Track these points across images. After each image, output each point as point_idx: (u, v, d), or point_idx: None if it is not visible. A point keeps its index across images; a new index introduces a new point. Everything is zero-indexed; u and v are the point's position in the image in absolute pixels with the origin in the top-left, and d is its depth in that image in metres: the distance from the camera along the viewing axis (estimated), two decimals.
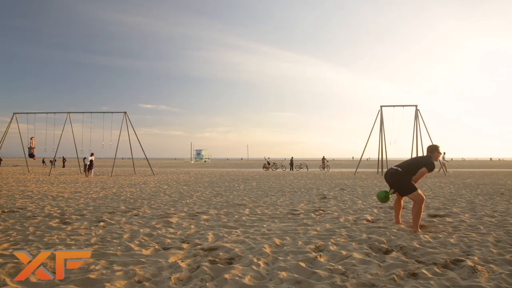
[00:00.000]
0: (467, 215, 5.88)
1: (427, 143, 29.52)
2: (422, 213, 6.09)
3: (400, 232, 4.52)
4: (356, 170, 22.79)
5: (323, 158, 32.06)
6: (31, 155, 21.60)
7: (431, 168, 4.77)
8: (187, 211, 6.56)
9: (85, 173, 19.02)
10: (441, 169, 24.99)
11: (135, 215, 6.10)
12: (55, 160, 29.70)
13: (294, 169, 30.93)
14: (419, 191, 4.65)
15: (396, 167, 4.80)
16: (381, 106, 20.95)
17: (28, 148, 21.59)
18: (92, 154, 19.65)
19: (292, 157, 33.21)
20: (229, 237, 4.35)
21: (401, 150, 23.54)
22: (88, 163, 19.12)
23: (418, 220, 4.60)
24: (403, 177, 4.70)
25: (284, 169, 31.03)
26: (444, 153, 24.93)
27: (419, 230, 4.58)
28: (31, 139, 21.42)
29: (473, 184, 13.01)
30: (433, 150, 4.95)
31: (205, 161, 73.45)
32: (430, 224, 5.07)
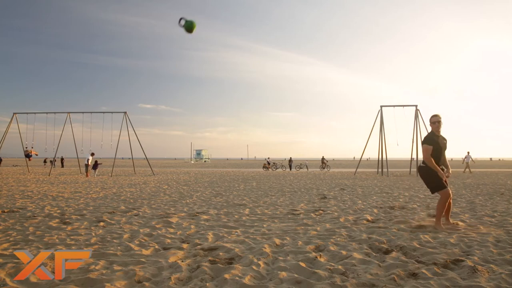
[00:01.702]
0: (467, 215, 5.87)
1: None
2: (422, 212, 6.10)
3: (400, 232, 4.52)
4: (356, 170, 22.79)
5: (323, 158, 32.07)
6: (28, 155, 21.73)
7: (425, 141, 4.73)
8: (187, 211, 6.56)
9: (86, 173, 18.94)
10: (466, 169, 23.82)
11: (135, 215, 6.09)
12: (55, 160, 29.70)
13: (293, 169, 30.93)
14: (444, 190, 4.66)
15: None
16: (381, 106, 20.94)
17: (25, 149, 21.71)
18: (92, 154, 19.63)
19: (290, 157, 33.18)
20: (229, 237, 4.35)
21: (401, 150, 23.52)
22: (92, 163, 19.18)
23: (439, 215, 4.72)
24: (426, 171, 4.74)
25: (284, 169, 31.03)
26: (468, 152, 24.09)
27: (440, 226, 4.67)
28: (31, 148, 21.68)
29: (473, 184, 13.01)
30: (431, 122, 4.85)
31: (205, 161, 73.44)
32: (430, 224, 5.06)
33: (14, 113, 22.08)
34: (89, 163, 19.08)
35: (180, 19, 4.03)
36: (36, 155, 23.23)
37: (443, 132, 4.92)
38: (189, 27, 4.08)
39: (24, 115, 22.39)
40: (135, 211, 6.53)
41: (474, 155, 24.63)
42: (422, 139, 4.86)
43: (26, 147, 21.80)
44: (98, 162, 19.96)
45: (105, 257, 3.47)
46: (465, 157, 24.20)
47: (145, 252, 3.69)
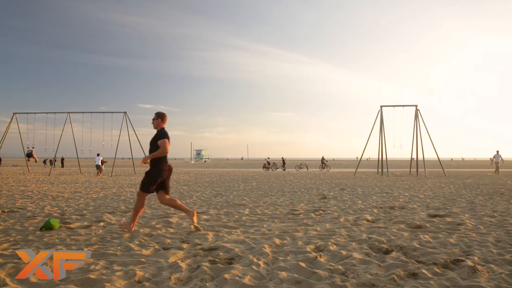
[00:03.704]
0: (467, 215, 5.88)
1: (427, 143, 29.52)
2: (422, 212, 6.10)
3: (400, 232, 4.52)
4: (356, 170, 22.79)
5: (322, 158, 32.05)
6: (29, 155, 21.93)
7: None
8: None
9: (99, 173, 19.08)
10: (497, 170, 22.16)
11: None
12: (55, 160, 29.69)
13: (286, 169, 31.00)
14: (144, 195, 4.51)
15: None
16: (381, 106, 20.95)
17: (28, 149, 21.93)
18: (98, 155, 19.80)
19: (283, 157, 33.05)
20: (229, 237, 4.34)
21: (401, 150, 23.49)
22: (100, 163, 19.34)
23: (133, 218, 4.52)
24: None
25: (284, 169, 31.04)
26: (498, 151, 22.27)
27: (131, 229, 4.51)
28: (32, 148, 21.97)
29: (473, 184, 13.01)
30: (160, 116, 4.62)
31: (205, 161, 73.45)
32: (430, 225, 5.06)
33: (14, 113, 22.11)
34: (100, 162, 19.27)
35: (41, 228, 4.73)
36: (36, 161, 23.48)
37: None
38: (48, 226, 4.69)
39: (24, 115, 22.44)
40: None
41: (474, 155, 23.96)
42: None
43: (28, 147, 21.93)
44: (104, 161, 20.04)
45: (105, 257, 3.47)
46: (494, 157, 22.30)
47: (145, 252, 3.69)
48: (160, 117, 4.61)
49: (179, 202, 4.72)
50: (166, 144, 4.40)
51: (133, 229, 4.55)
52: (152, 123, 4.64)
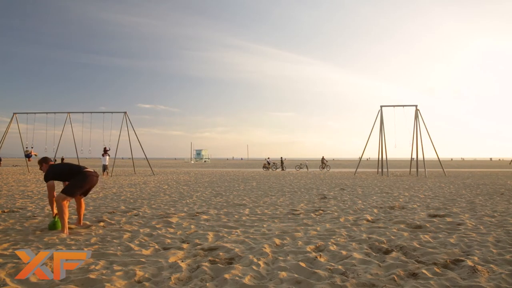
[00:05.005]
0: (467, 215, 5.88)
1: (427, 143, 29.52)
2: (422, 212, 6.09)
3: (400, 232, 4.53)
4: (356, 170, 22.80)
5: (323, 158, 32.08)
6: (28, 155, 22.04)
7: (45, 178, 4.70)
8: (187, 211, 6.56)
9: (104, 173, 19.19)
10: None
11: (135, 215, 6.09)
12: (55, 160, 29.71)
13: (286, 169, 31.05)
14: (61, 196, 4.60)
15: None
16: (381, 106, 20.95)
17: (26, 149, 22.04)
18: (103, 155, 19.86)
19: (281, 157, 33.12)
20: (229, 237, 4.35)
21: (401, 150, 23.52)
22: (107, 163, 19.41)
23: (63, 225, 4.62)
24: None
25: (282, 169, 31.05)
26: None
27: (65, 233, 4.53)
28: (31, 148, 22.15)
29: (473, 184, 13.01)
30: (41, 162, 4.89)
31: (205, 161, 73.47)
32: (430, 225, 5.06)
33: (14, 113, 22.14)
34: (107, 162, 19.35)
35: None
36: (36, 155, 23.55)
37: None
38: (52, 227, 4.73)
39: (24, 115, 22.46)
40: (135, 211, 6.52)
41: (474, 155, 23.84)
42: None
43: (27, 147, 21.97)
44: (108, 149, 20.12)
45: (105, 257, 3.47)
46: None
47: (145, 252, 3.69)
48: (44, 162, 4.91)
49: (67, 213, 4.71)
50: (48, 187, 4.69)
51: (66, 234, 4.52)
52: (42, 170, 4.90)
